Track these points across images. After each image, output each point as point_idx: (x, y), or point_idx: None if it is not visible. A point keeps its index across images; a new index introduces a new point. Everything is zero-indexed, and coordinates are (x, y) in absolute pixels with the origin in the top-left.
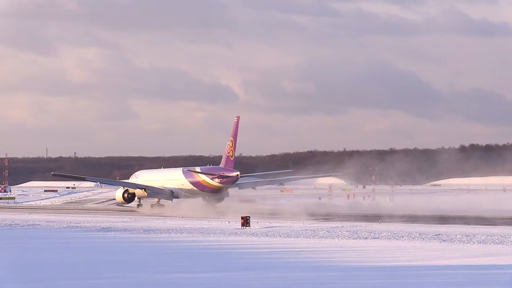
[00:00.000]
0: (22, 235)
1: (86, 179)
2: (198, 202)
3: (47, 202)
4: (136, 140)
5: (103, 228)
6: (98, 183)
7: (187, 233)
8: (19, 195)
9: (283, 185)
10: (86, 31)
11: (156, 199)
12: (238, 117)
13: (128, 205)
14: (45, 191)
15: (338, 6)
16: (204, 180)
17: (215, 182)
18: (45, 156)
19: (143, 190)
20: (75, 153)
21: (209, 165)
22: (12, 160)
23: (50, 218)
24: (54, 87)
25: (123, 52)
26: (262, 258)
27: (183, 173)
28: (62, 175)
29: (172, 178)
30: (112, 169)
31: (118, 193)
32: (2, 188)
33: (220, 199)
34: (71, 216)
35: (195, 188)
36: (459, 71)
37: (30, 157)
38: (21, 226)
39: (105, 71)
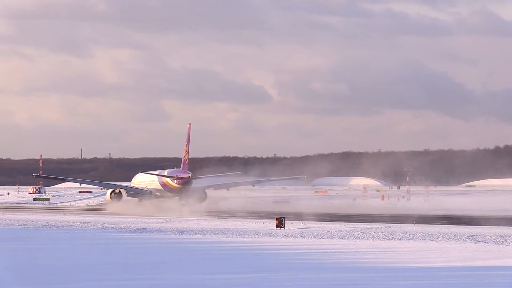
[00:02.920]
0: (57, 236)
1: (67, 180)
2: (176, 202)
3: (81, 203)
4: (169, 141)
5: (137, 229)
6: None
7: (221, 234)
8: (53, 196)
9: (253, 186)
10: (117, 32)
11: (137, 199)
12: (190, 124)
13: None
14: (80, 192)
15: (369, 6)
16: (167, 182)
17: (174, 183)
18: (80, 157)
19: (125, 190)
20: (109, 154)
21: (175, 168)
22: (46, 161)
23: (85, 219)
24: (87, 88)
25: (155, 53)
26: (297, 259)
27: (157, 176)
28: (43, 176)
29: (151, 180)
30: (147, 170)
31: (107, 193)
32: (37, 189)
33: (201, 199)
34: (105, 217)
35: (162, 189)
36: (492, 71)
37: (65, 158)
38: (56, 227)
39: (138, 72)
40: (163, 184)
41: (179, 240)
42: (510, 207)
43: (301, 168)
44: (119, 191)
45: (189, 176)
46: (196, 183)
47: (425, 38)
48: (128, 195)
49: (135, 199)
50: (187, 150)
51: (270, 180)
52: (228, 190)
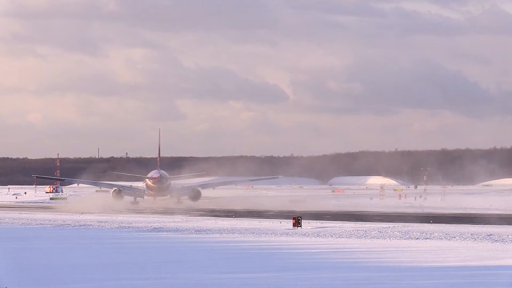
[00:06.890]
0: (74, 235)
1: (65, 180)
2: (168, 200)
3: None
4: (185, 140)
5: (154, 228)
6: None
7: (238, 233)
8: (70, 195)
9: (236, 185)
10: (131, 31)
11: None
12: (159, 129)
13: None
14: (97, 191)
15: (380, 5)
16: (147, 182)
17: (150, 183)
18: (97, 157)
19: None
20: (126, 153)
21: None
22: (63, 161)
23: (101, 218)
24: (102, 87)
25: (169, 53)
26: (314, 258)
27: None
28: (43, 177)
29: (144, 180)
30: (164, 170)
31: (110, 192)
32: (54, 188)
33: (195, 198)
34: (122, 216)
35: (147, 188)
36: (506, 70)
37: (82, 157)
38: (73, 226)
39: (153, 71)
40: (146, 184)
41: (196, 239)
42: None
43: (318, 167)
44: (119, 189)
45: (158, 176)
46: (188, 183)
47: (438, 37)
48: (123, 193)
49: (131, 197)
50: (158, 153)
51: (250, 180)
52: (213, 189)
